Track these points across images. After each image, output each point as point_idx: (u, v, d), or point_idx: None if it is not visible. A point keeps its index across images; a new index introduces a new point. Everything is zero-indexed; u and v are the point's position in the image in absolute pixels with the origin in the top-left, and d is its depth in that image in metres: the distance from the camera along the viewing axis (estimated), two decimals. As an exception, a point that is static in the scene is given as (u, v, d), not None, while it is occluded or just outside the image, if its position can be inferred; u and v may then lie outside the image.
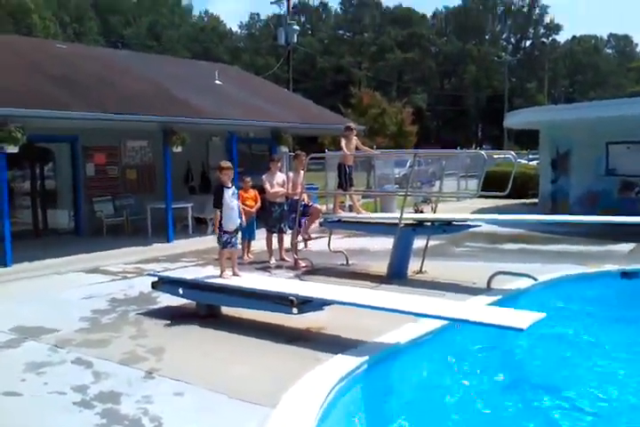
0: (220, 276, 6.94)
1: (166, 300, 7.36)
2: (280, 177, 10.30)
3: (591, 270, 8.90)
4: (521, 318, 5.05)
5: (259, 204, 10.31)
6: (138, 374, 5.14)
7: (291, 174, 10.36)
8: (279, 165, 10.76)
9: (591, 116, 15.01)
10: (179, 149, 12.08)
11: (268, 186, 10.08)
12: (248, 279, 7.05)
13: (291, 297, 6.03)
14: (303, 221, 10.29)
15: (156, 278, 7.27)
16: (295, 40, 32.29)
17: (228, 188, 7.00)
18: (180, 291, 6.97)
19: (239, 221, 7.09)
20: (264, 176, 10.19)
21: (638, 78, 74.81)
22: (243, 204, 10.27)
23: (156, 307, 7.29)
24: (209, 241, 10.91)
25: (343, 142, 9.76)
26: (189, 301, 7.04)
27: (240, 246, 7.73)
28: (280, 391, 4.61)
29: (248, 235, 10.17)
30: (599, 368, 5.73)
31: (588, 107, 16.95)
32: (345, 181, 9.87)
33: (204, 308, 6.85)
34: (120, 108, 11.34)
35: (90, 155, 13.40)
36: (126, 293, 8.02)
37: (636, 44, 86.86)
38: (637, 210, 13.30)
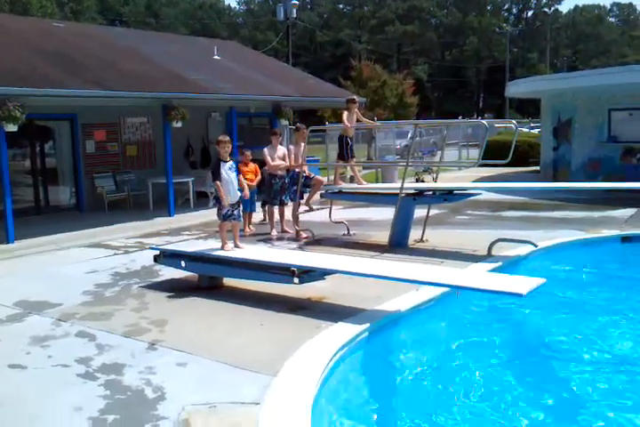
0: (222, 248, 6.94)
1: (168, 273, 7.39)
2: (281, 150, 10.28)
3: (591, 236, 8.90)
4: (521, 284, 5.06)
5: (259, 177, 10.32)
6: (141, 345, 5.18)
7: (292, 147, 10.33)
8: (280, 138, 10.73)
9: (593, 84, 14.90)
10: (178, 125, 12.05)
11: (269, 159, 10.09)
12: (249, 251, 7.06)
13: (292, 267, 6.05)
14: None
15: (157, 252, 7.28)
16: (294, 15, 31.92)
17: (226, 162, 6.96)
18: (182, 263, 6.98)
19: (239, 193, 7.07)
20: (265, 149, 10.18)
21: (642, 46, 73.89)
22: (243, 177, 10.32)
23: (158, 280, 7.32)
24: (211, 214, 10.87)
25: (345, 114, 9.75)
26: (191, 273, 7.06)
27: (242, 219, 7.74)
28: (282, 360, 4.65)
29: (249, 208, 10.20)
30: (595, 329, 5.78)
31: (590, 75, 16.78)
32: (346, 153, 9.88)
33: (206, 280, 6.88)
34: (119, 85, 11.30)
35: (89, 132, 13.34)
36: (128, 266, 8.04)
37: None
38: (639, 175, 13.24)
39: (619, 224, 10.10)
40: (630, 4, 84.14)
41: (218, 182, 6.87)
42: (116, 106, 12.57)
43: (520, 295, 4.82)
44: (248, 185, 10.21)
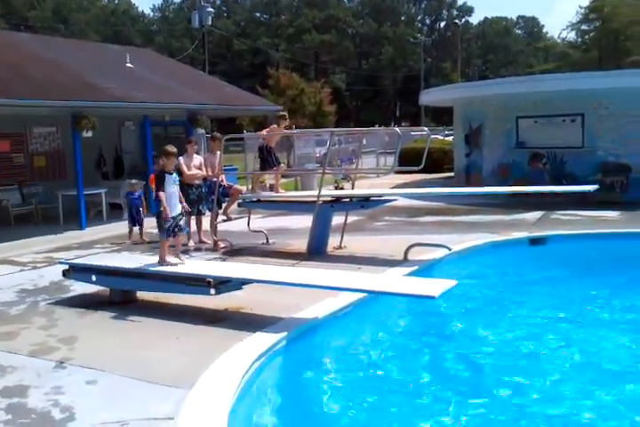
0: (161, 264, 6.53)
1: (79, 288, 7.10)
2: (197, 159, 10.13)
3: (502, 238, 9.25)
4: (433, 287, 5.17)
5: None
6: (48, 365, 4.93)
7: (208, 156, 10.21)
8: (195, 147, 10.57)
9: (501, 92, 15.56)
10: (89, 134, 11.69)
11: (185, 168, 9.88)
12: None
13: (208, 278, 5.94)
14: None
15: (66, 266, 6.98)
16: (210, 23, 31.65)
17: (170, 174, 6.75)
18: (93, 278, 6.71)
19: (180, 206, 6.85)
20: (181, 158, 9.94)
21: (546, 57, 77.85)
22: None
23: (68, 296, 7.01)
24: (125, 226, 10.60)
25: (273, 127, 9.93)
26: (103, 288, 6.81)
27: (185, 231, 7.55)
28: (197, 373, 4.54)
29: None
30: (504, 326, 6.01)
31: (498, 83, 17.51)
32: (272, 162, 9.94)
33: (119, 294, 6.65)
34: (26, 93, 10.79)
35: (-8, 143, 12.70)
36: (36, 283, 7.67)
37: (543, 26, 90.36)
38: (546, 180, 13.89)
39: (527, 227, 10.55)
40: (534, 17, 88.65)
41: (161, 194, 6.57)
42: (23, 115, 12.03)
43: (432, 297, 4.93)
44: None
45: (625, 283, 7.38)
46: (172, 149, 6.80)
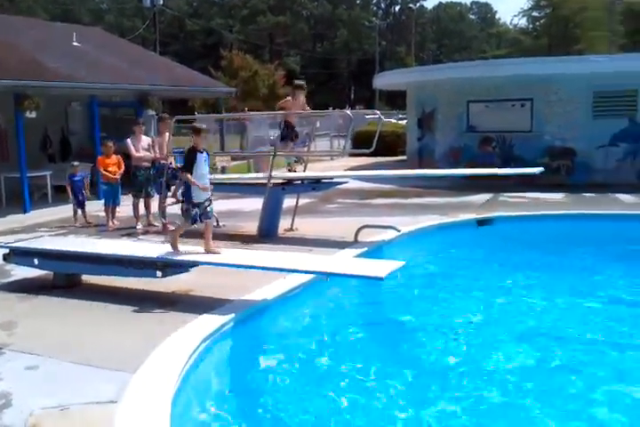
0: (175, 251, 6.06)
1: (21, 272, 6.89)
2: (145, 141, 9.95)
3: (450, 220, 9.39)
4: (380, 268, 5.20)
5: (122, 169, 9.97)
6: (-15, 351, 4.79)
7: (156, 138, 10.01)
8: (144, 128, 10.36)
9: (453, 77, 15.70)
10: (32, 115, 11.31)
11: (133, 150, 9.75)
12: (110, 245, 6.75)
13: (154, 261, 5.85)
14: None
15: (7, 250, 6.76)
16: (161, 2, 30.95)
17: (201, 152, 6.12)
18: (36, 262, 6.53)
19: (210, 189, 6.20)
20: (128, 140, 9.84)
21: (498, 43, 78.82)
22: (105, 170, 9.89)
23: (8, 280, 6.80)
24: (71, 209, 10.33)
25: (287, 100, 9.24)
26: (47, 272, 6.63)
27: (214, 216, 6.86)
28: (142, 356, 4.48)
29: (113, 201, 9.82)
30: (453, 302, 6.19)
31: (450, 68, 17.68)
32: (290, 138, 9.39)
33: (63, 278, 6.49)
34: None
35: None
36: (-25, 268, 7.42)
37: (496, 12, 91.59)
38: (495, 163, 14.13)
39: (475, 208, 10.73)
40: (487, 3, 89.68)
41: (189, 176, 5.94)
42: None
43: (379, 278, 4.96)
44: (112, 178, 9.87)
45: (559, 261, 7.71)
46: (200, 126, 6.25)
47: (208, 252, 6.06)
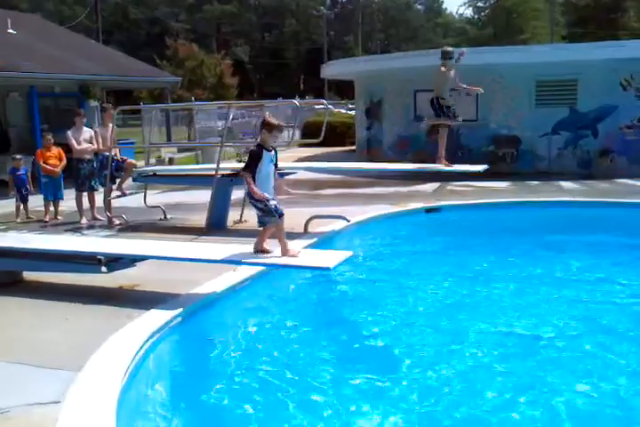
0: (260, 252, 5.56)
1: (-42, 271, 6.62)
2: (87, 132, 9.68)
3: (400, 209, 9.49)
4: (329, 258, 5.21)
5: (64, 162, 9.70)
6: None
7: (99, 129, 9.75)
8: (85, 119, 10.07)
9: (399, 66, 15.77)
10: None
11: (74, 142, 9.47)
12: (53, 241, 6.55)
13: (98, 256, 5.70)
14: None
15: (-60, 248, 6.48)
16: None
17: (269, 150, 5.51)
18: (-28, 259, 6.29)
19: (272, 190, 5.64)
20: (69, 132, 9.55)
21: (445, 33, 79.80)
22: (45, 163, 9.58)
23: (-56, 279, 6.53)
24: (9, 205, 9.98)
25: (442, 70, 8.71)
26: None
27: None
28: (87, 354, 4.36)
29: (54, 195, 9.54)
30: (403, 289, 6.26)
31: (396, 58, 17.76)
32: (443, 113, 8.94)
33: (3, 275, 6.26)
34: None
35: None
36: None
37: (442, 2, 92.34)
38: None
39: (424, 197, 10.87)
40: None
41: (250, 179, 5.37)
42: None
43: (327, 269, 4.97)
44: (52, 171, 9.58)
45: (505, 246, 7.92)
46: (273, 120, 5.53)
47: (284, 254, 5.41)
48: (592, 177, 13.14)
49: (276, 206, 5.40)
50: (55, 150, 9.65)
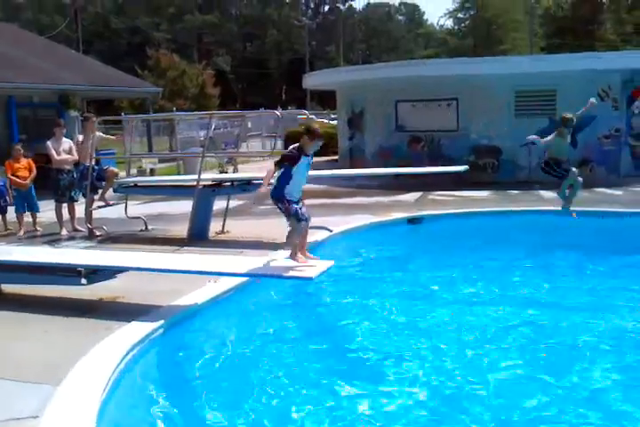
0: (293, 258, 5.48)
1: None
2: (67, 143, 9.63)
3: (382, 219, 9.51)
4: (310, 269, 5.20)
5: (34, 173, 9.59)
6: None
7: (80, 138, 9.66)
8: (64, 130, 9.99)
9: (381, 77, 15.91)
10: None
11: (53, 153, 9.41)
12: (31, 253, 6.47)
13: (78, 268, 5.65)
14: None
15: None
16: (82, -2, 30.04)
17: (307, 155, 5.44)
18: (-52, 272, 6.18)
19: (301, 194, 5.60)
20: (48, 142, 9.50)
21: (426, 44, 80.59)
22: (14, 175, 9.43)
23: None
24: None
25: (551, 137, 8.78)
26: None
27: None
28: (67, 367, 4.30)
29: (25, 208, 9.45)
30: (385, 300, 6.27)
31: (378, 68, 17.91)
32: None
33: (-20, 288, 6.18)
34: None
35: None
36: None
37: (423, 12, 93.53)
38: (424, 162, 14.44)
39: (406, 207, 10.92)
40: (415, 4, 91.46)
41: (271, 172, 5.39)
42: None
43: (309, 279, 4.97)
44: (21, 184, 9.43)
45: (487, 255, 7.98)
46: (315, 126, 5.47)
47: (292, 258, 5.44)
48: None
49: (296, 210, 5.37)
50: (24, 161, 9.54)
